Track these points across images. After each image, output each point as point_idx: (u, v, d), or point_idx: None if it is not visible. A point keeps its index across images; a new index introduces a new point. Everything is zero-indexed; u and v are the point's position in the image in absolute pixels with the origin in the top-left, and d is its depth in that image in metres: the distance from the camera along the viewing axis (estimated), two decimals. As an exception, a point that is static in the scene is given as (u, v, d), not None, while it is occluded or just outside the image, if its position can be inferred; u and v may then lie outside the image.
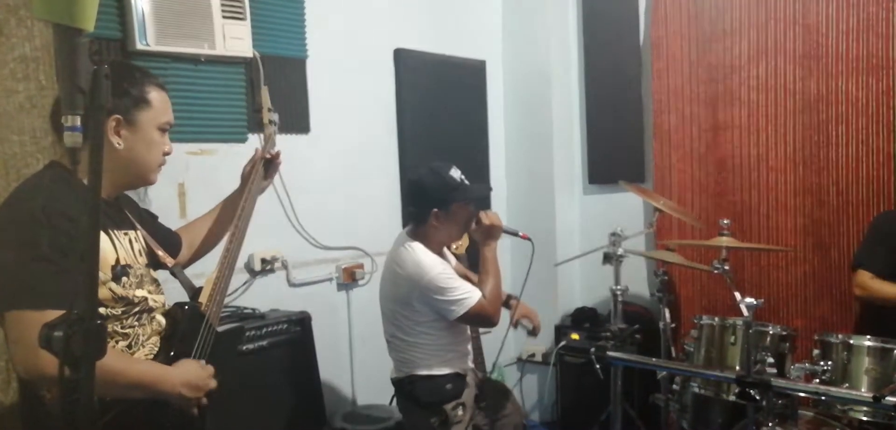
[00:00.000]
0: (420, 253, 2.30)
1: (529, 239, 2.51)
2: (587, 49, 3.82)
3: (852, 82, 2.93)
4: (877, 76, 2.87)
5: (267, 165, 1.95)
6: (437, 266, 2.28)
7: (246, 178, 1.90)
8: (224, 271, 1.66)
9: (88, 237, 0.97)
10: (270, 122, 2.04)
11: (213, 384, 1.52)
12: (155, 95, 1.52)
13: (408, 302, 2.31)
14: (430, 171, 2.36)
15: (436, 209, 2.32)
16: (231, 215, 1.82)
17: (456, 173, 2.35)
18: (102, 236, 1.42)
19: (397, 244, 2.40)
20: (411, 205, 2.46)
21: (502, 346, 2.75)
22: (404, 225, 2.69)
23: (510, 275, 3.91)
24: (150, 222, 1.75)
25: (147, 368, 1.45)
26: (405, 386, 2.41)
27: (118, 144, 1.47)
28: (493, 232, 2.40)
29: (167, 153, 1.58)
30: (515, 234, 2.54)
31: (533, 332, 2.68)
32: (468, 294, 2.27)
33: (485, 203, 2.58)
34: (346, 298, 3.17)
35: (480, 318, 2.33)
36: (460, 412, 2.33)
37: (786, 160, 3.14)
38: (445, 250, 2.54)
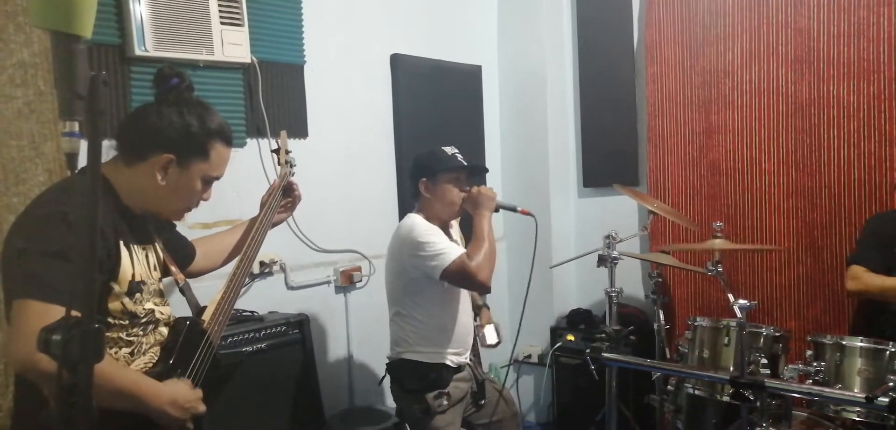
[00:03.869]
0: (414, 219, 2.38)
1: (531, 214, 2.42)
2: (581, 54, 3.84)
3: (844, 86, 2.96)
4: (868, 80, 2.90)
5: (285, 198, 2.00)
6: (423, 226, 2.33)
7: (264, 206, 1.94)
8: (229, 293, 1.68)
9: (88, 241, 0.96)
10: (287, 162, 2.08)
11: (201, 408, 1.50)
12: (216, 152, 1.53)
13: (402, 266, 2.35)
14: (429, 148, 2.45)
15: (424, 178, 2.41)
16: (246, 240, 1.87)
17: (449, 149, 2.43)
18: (123, 251, 1.44)
19: None
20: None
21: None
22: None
23: (507, 275, 3.96)
24: (168, 229, 1.77)
25: (136, 379, 1.41)
26: (394, 369, 2.45)
27: (161, 180, 1.47)
28: (481, 200, 2.36)
29: (204, 200, 1.59)
30: (513, 209, 2.46)
31: (495, 345, 2.65)
32: (447, 250, 2.25)
33: (480, 181, 2.58)
34: (343, 300, 3.18)
35: (462, 275, 2.23)
36: (445, 403, 2.33)
37: (778, 163, 3.16)
38: (454, 225, 2.56)
